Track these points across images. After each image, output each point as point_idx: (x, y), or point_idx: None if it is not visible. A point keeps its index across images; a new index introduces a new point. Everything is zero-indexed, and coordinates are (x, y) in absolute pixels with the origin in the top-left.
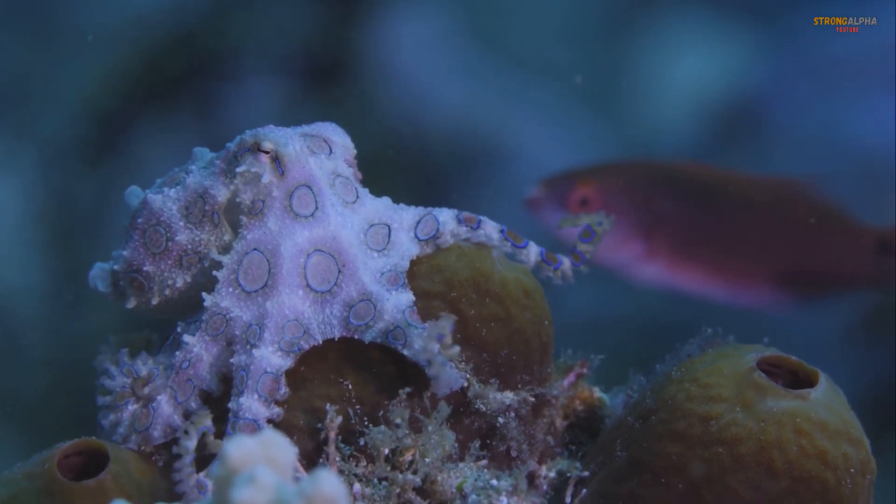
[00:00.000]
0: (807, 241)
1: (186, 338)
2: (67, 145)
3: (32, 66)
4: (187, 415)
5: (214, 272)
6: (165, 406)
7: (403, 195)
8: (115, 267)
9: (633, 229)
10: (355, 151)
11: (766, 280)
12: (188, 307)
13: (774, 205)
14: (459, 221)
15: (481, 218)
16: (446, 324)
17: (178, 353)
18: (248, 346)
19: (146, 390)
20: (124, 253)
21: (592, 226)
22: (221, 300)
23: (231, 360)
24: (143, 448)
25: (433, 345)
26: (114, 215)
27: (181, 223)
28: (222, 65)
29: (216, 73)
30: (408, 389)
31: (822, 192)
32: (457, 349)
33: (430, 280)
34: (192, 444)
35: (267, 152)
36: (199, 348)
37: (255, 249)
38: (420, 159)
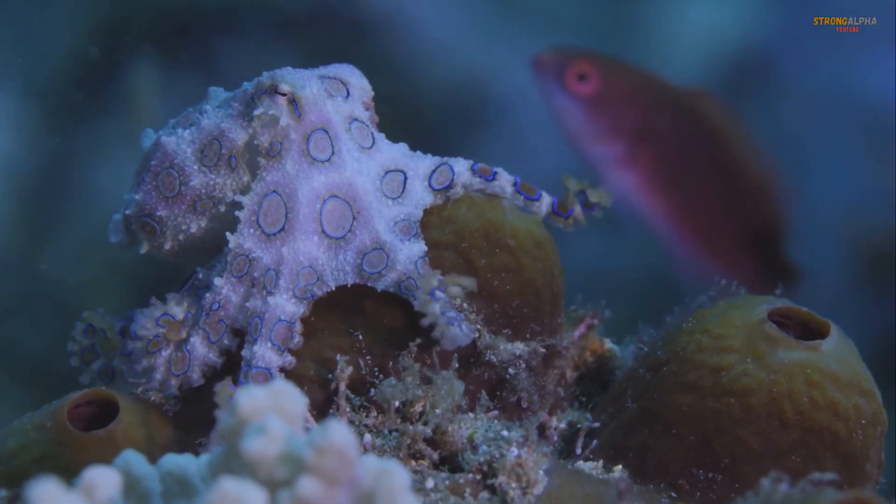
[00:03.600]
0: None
1: (216, 280)
2: (57, 98)
3: (21, 17)
4: (223, 351)
5: (236, 212)
6: (200, 347)
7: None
8: (127, 211)
9: (621, 129)
10: (373, 93)
11: (721, 249)
12: (202, 252)
13: (752, 186)
14: (474, 172)
15: (496, 169)
16: (433, 277)
17: (207, 294)
18: (264, 293)
19: (183, 333)
20: (136, 196)
21: (597, 201)
22: (244, 241)
23: (246, 305)
24: (154, 400)
25: (434, 306)
26: (110, 166)
27: (195, 166)
28: (220, 15)
29: (213, 24)
30: (418, 341)
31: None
32: (458, 290)
33: (440, 230)
34: None
35: (284, 94)
36: (227, 290)
37: (273, 192)
38: (425, 113)
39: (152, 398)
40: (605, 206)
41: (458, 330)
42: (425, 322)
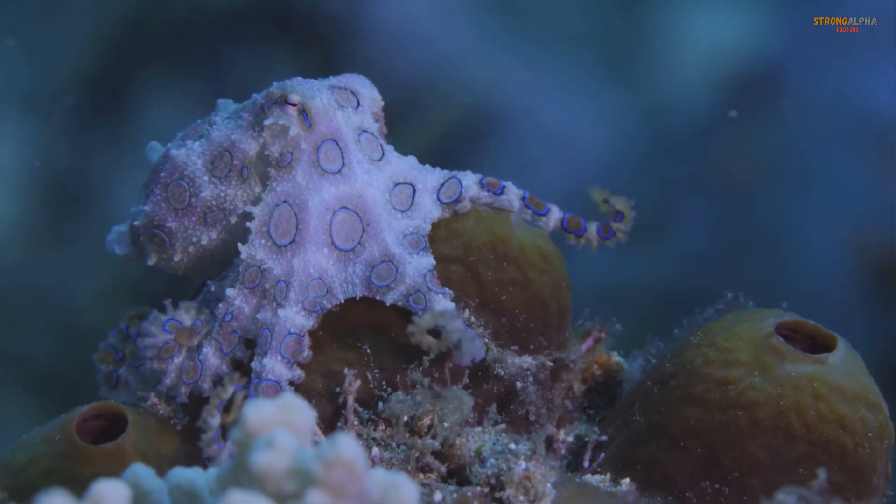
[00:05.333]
0: None
1: (229, 291)
2: (68, 111)
3: (32, 30)
4: (235, 364)
5: (247, 223)
6: (212, 358)
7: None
8: (136, 223)
9: None
10: (382, 103)
11: None
12: (211, 264)
13: None
14: (482, 186)
15: (505, 183)
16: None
17: (220, 305)
18: (275, 305)
19: (195, 340)
20: (145, 208)
21: (622, 208)
22: (256, 252)
23: (257, 316)
24: (162, 413)
25: (457, 322)
26: (116, 177)
27: (205, 177)
28: (227, 25)
29: (221, 33)
30: (431, 356)
31: None
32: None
33: (448, 244)
34: (215, 421)
35: (294, 104)
36: (239, 300)
37: (284, 202)
38: (430, 124)
39: (160, 412)
40: (620, 237)
41: (475, 344)
42: (451, 339)
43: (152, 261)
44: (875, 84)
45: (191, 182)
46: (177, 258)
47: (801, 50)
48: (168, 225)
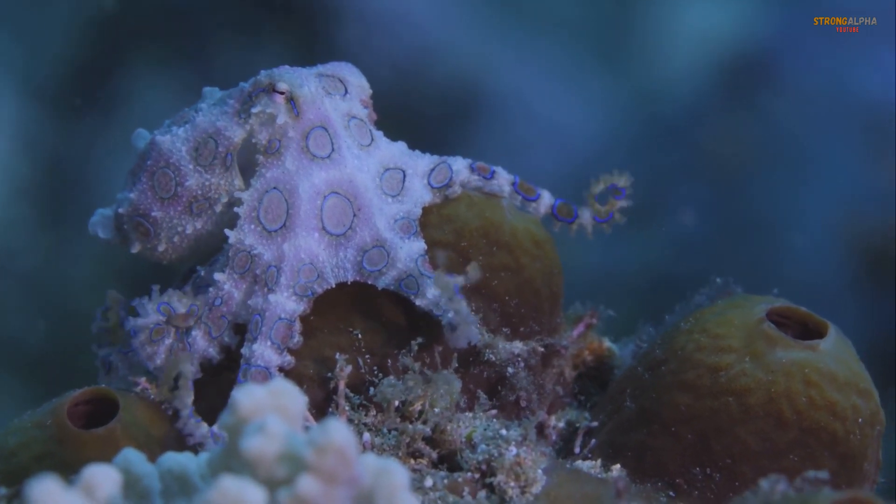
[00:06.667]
0: None
1: (217, 276)
2: (54, 97)
3: (19, 17)
4: (223, 348)
5: (236, 209)
6: (201, 341)
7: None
8: (120, 210)
9: None
10: (371, 92)
11: None
12: (195, 254)
13: None
14: (472, 170)
15: (495, 168)
16: (461, 278)
17: (210, 289)
18: (266, 290)
19: (190, 322)
20: (131, 196)
21: (619, 184)
22: (245, 237)
23: (248, 302)
24: (153, 398)
25: (461, 304)
26: (105, 164)
27: (190, 166)
28: (213, 9)
29: (207, 18)
30: (419, 340)
31: None
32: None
33: (440, 230)
34: (188, 398)
35: (282, 93)
36: (229, 285)
37: (274, 188)
38: (420, 109)
39: (152, 396)
40: (617, 221)
41: (471, 329)
42: (451, 319)
43: (136, 249)
44: (869, 71)
45: (176, 170)
46: (161, 248)
47: (794, 37)
48: (153, 214)
